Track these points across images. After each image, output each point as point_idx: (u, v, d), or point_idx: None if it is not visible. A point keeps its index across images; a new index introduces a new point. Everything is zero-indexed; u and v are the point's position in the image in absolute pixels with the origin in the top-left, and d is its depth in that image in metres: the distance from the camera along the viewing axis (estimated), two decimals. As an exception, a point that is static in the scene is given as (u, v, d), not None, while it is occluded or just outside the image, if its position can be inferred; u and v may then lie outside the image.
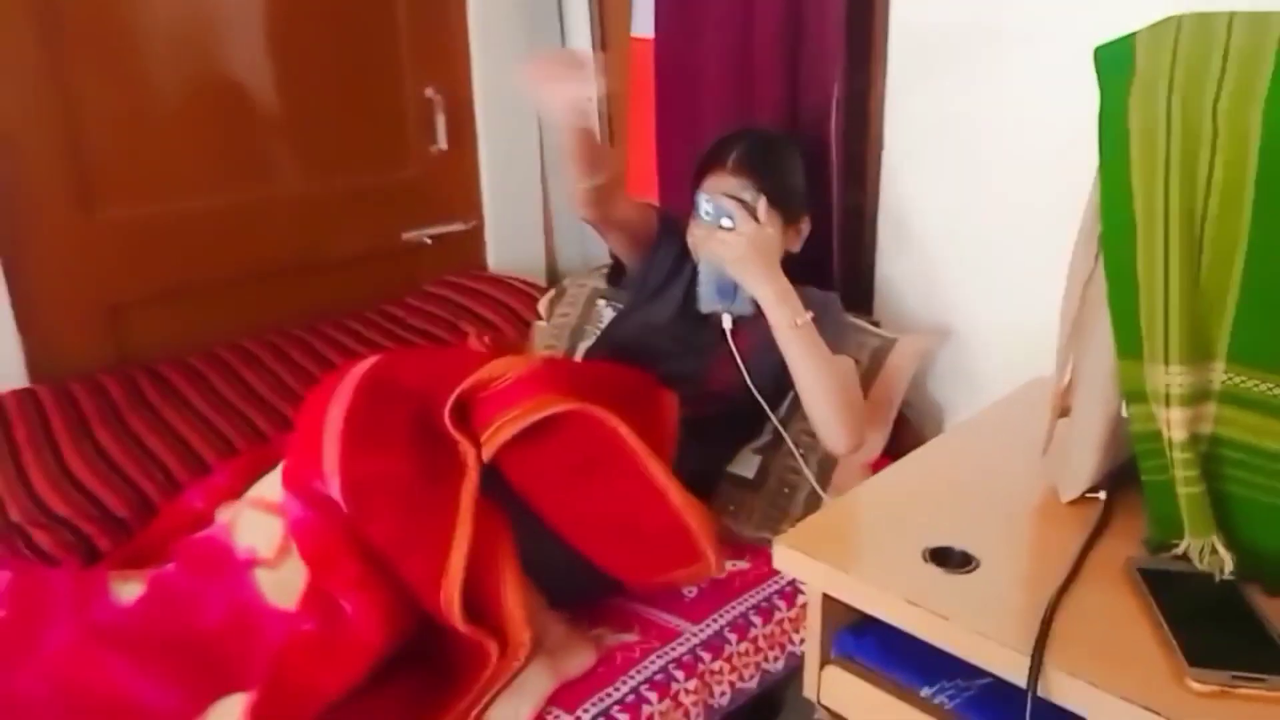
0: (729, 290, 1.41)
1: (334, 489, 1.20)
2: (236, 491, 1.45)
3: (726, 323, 1.42)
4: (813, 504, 1.52)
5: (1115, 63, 0.89)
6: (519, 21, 2.27)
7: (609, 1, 2.22)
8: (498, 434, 1.22)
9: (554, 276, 2.43)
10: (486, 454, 1.23)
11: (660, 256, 1.60)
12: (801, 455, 1.51)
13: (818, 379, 1.36)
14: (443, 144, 2.21)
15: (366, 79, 2.11)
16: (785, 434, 1.48)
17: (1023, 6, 1.48)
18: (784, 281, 1.38)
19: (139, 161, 1.81)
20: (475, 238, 2.35)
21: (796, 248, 1.55)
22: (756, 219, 1.37)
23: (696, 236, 1.41)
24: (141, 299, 1.86)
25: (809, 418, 1.42)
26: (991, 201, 1.60)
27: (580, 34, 2.26)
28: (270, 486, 1.34)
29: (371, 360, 1.36)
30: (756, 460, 1.58)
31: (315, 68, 2.02)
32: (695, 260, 1.50)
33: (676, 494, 1.22)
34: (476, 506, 1.19)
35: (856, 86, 1.72)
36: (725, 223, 1.36)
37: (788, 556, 0.96)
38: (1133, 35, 0.88)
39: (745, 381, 1.44)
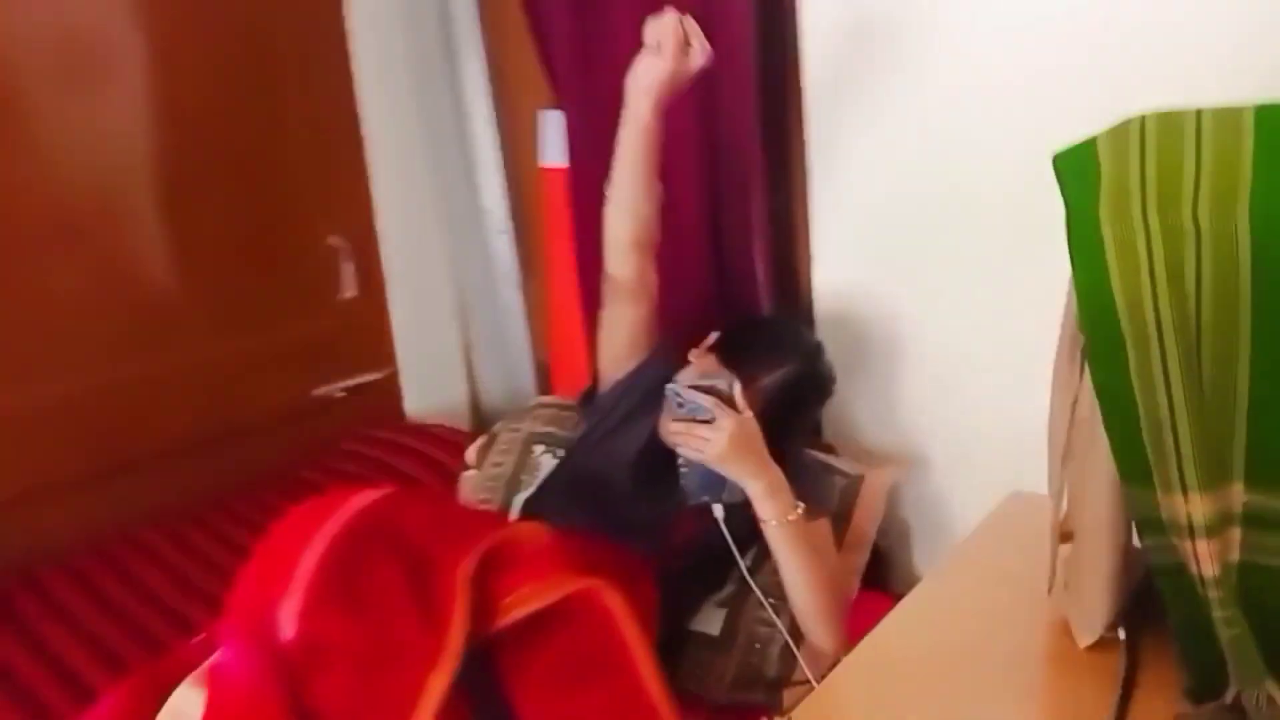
0: (715, 482, 1.28)
1: (285, 634, 1.05)
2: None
3: (718, 512, 1.30)
4: (787, 659, 1.39)
5: (1078, 170, 0.82)
6: (422, 159, 2.19)
7: (515, 132, 2.16)
8: (526, 600, 1.09)
9: (479, 420, 2.30)
10: (507, 619, 1.09)
11: (646, 376, 1.48)
12: (772, 606, 1.39)
13: (805, 576, 1.28)
14: (351, 291, 2.09)
15: (267, 232, 1.99)
16: (754, 585, 1.35)
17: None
18: (775, 473, 1.27)
19: (29, 343, 1.66)
20: (390, 386, 2.22)
21: (801, 440, 1.47)
22: (735, 408, 1.26)
23: (672, 431, 1.28)
24: (26, 492, 1.66)
25: (795, 612, 1.32)
26: (937, 303, 1.54)
27: (487, 166, 2.19)
28: (180, 708, 1.15)
29: (374, 495, 1.22)
30: (721, 615, 1.44)
31: (212, 226, 1.90)
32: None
33: (668, 715, 1.09)
34: (447, 695, 1.03)
35: (779, 202, 1.67)
36: (701, 414, 1.25)
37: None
38: (1093, 141, 0.82)
39: (709, 536, 1.32)
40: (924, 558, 1.66)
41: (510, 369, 2.28)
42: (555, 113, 1.93)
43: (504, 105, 2.16)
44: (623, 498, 1.43)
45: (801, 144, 1.62)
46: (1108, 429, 0.83)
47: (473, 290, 2.27)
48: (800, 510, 1.28)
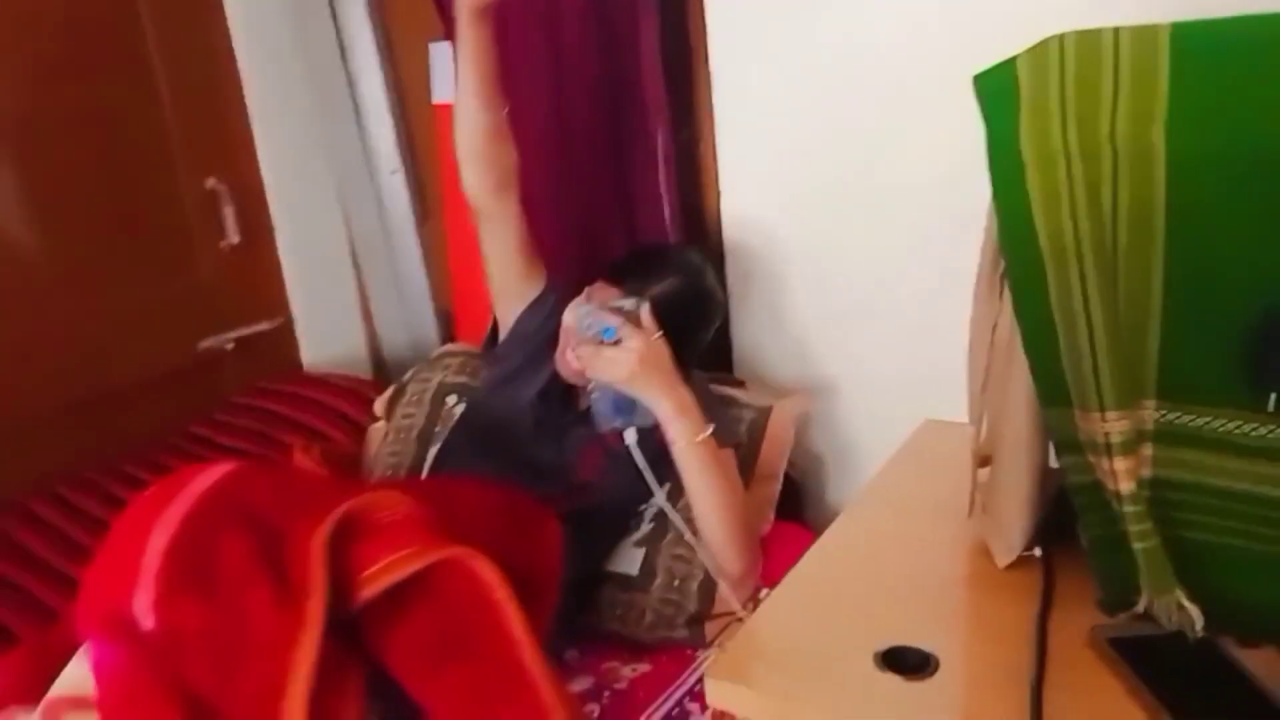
0: (626, 405, 1.25)
1: (144, 625, 1.01)
2: (28, 696, 1.17)
3: (630, 437, 1.26)
4: (706, 594, 1.39)
5: (998, 91, 0.81)
6: (306, 95, 2.07)
7: (405, 69, 2.06)
8: (386, 572, 1.03)
9: (381, 369, 2.22)
10: (367, 593, 1.03)
11: (540, 316, 1.44)
12: (688, 542, 1.38)
13: (716, 499, 1.27)
14: (234, 238, 1.97)
15: (135, 178, 1.85)
16: (670, 512, 1.34)
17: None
18: (683, 393, 1.25)
19: None
20: (284, 336, 2.11)
21: (692, 361, 1.42)
22: (640, 326, 1.23)
23: (581, 355, 1.25)
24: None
25: (702, 538, 1.30)
26: (846, 234, 1.54)
27: (375, 104, 2.08)
28: (78, 678, 1.09)
29: (217, 471, 1.15)
30: (639, 554, 1.43)
31: (71, 176, 1.75)
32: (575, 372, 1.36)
33: (547, 688, 1.02)
34: (315, 669, 0.98)
35: (685, 137, 1.64)
36: (608, 337, 1.22)
37: (723, 691, 0.82)
38: (1013, 61, 0.81)
39: (619, 471, 1.30)
40: (837, 488, 1.69)
41: (411, 315, 2.21)
42: (446, 45, 1.84)
43: (391, 37, 2.05)
44: (525, 440, 1.40)
45: (706, 73, 1.59)
46: (1028, 352, 0.84)
47: (366, 233, 2.17)
48: (710, 430, 1.26)
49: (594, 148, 1.62)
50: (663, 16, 1.54)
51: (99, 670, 1.01)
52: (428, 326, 2.19)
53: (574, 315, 1.25)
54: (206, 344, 1.96)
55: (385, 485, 1.25)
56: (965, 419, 1.30)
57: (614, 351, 1.21)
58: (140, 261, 1.87)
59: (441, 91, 1.95)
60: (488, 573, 1.04)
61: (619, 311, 1.24)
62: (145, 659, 0.99)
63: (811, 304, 1.61)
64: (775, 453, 1.50)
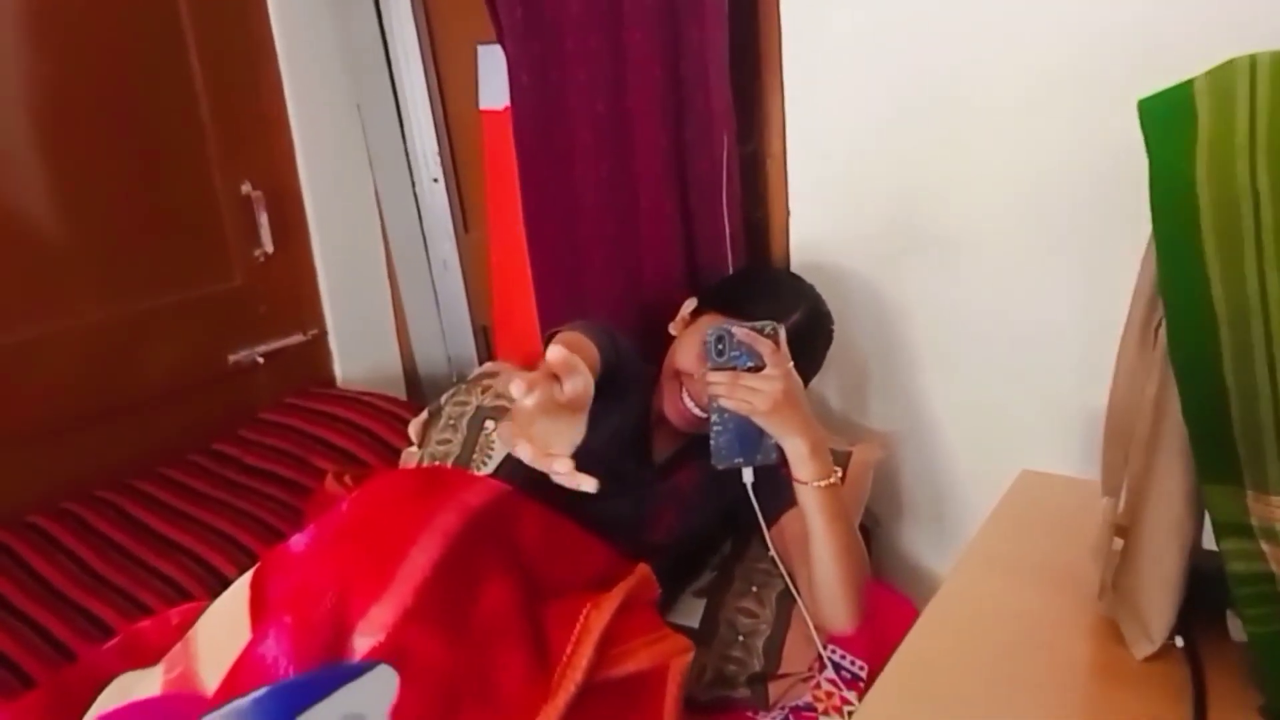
0: (752, 441, 1.13)
1: (361, 641, 0.89)
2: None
3: (748, 477, 1.14)
4: (773, 650, 1.28)
5: (1169, 119, 0.70)
6: (347, 100, 1.98)
7: (449, 72, 1.96)
8: (632, 657, 0.98)
9: (414, 387, 2.13)
10: (611, 671, 0.97)
11: (606, 392, 1.32)
12: (756, 593, 1.28)
13: (837, 547, 1.15)
14: (268, 246, 1.89)
15: (169, 180, 1.76)
16: (769, 539, 1.23)
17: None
18: (818, 431, 1.14)
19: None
20: (317, 350, 2.03)
21: None
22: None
23: (715, 382, 1.11)
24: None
25: (814, 587, 1.19)
26: (924, 266, 1.43)
27: (419, 110, 1.98)
28: None
29: (489, 488, 1.05)
30: (699, 605, 1.32)
31: (105, 175, 1.67)
32: (692, 407, 1.24)
33: None
34: None
35: (750, 148, 1.53)
36: (741, 365, 1.10)
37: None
38: (1189, 85, 0.69)
39: (691, 527, 1.20)
40: (913, 539, 1.57)
41: (448, 331, 2.11)
42: (495, 47, 1.74)
43: (436, 38, 1.96)
44: (596, 496, 1.28)
45: (779, 84, 1.47)
46: (1189, 420, 0.72)
47: (405, 244, 2.07)
48: (839, 475, 1.15)
49: (654, 156, 1.51)
50: (733, 23, 1.43)
51: (249, 664, 0.88)
52: (466, 343, 2.09)
53: (710, 335, 1.12)
54: (237, 356, 1.87)
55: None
56: (1062, 471, 1.20)
57: (756, 380, 1.09)
58: (171, 267, 1.78)
59: (489, 97, 1.86)
60: (675, 683, 0.98)
61: (758, 336, 1.11)
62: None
63: (884, 341, 1.49)
64: (854, 501, 1.38)
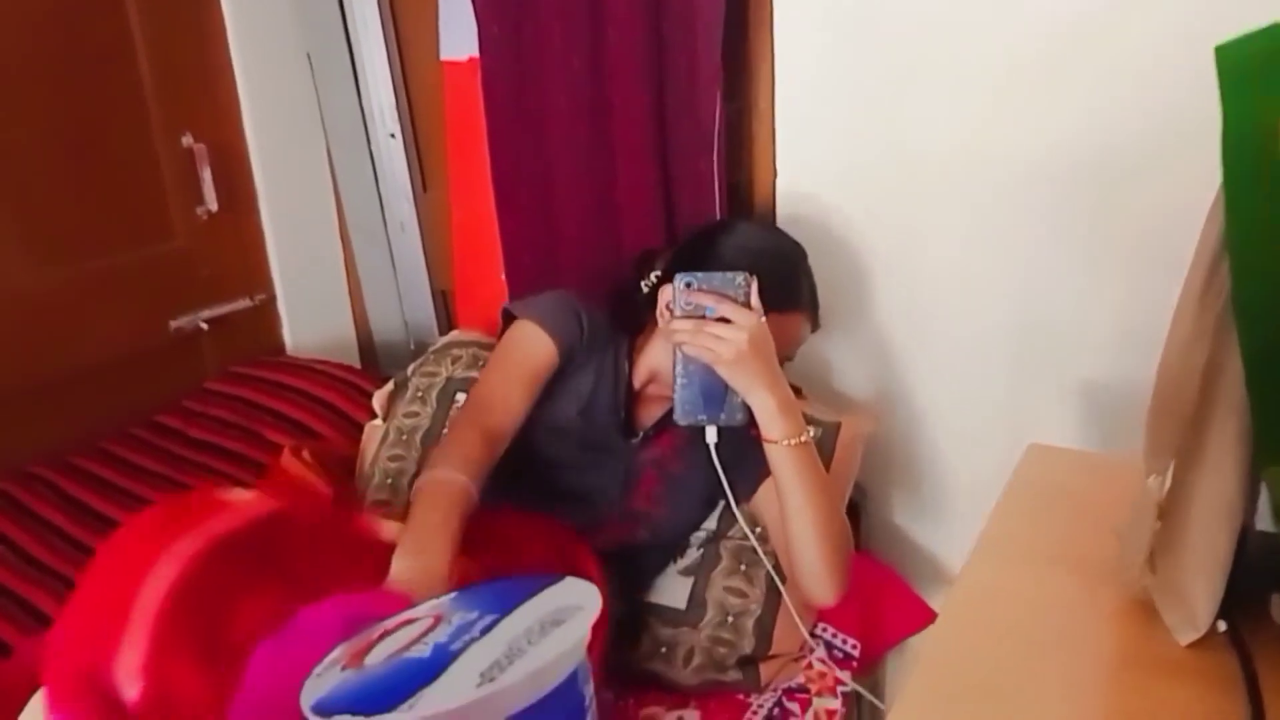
0: (716, 396, 1.08)
1: (129, 692, 0.82)
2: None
3: (711, 436, 1.09)
4: (764, 631, 1.23)
5: (1251, 69, 0.64)
6: (296, 48, 1.85)
7: (408, 20, 1.84)
8: None
9: (369, 355, 2.02)
10: None
11: (568, 314, 1.25)
12: (745, 572, 1.23)
13: (814, 513, 1.09)
14: (211, 204, 1.76)
15: (103, 132, 1.62)
16: (742, 521, 1.18)
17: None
18: (786, 388, 1.08)
19: None
20: (265, 316, 1.91)
21: (792, 354, 1.26)
22: (749, 307, 1.06)
23: (678, 330, 1.06)
24: None
25: (791, 556, 1.13)
26: (922, 226, 1.38)
27: (373, 60, 1.86)
28: None
29: (243, 512, 0.96)
30: (686, 584, 1.27)
31: (33, 127, 1.52)
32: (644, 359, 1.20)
33: None
34: None
35: (734, 105, 1.46)
36: (712, 312, 1.05)
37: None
38: (1274, 30, 0.64)
39: (675, 498, 1.13)
40: (903, 513, 1.53)
41: (405, 296, 2.00)
42: (459, -6, 1.63)
43: (393, -16, 1.84)
44: (567, 459, 1.22)
45: (767, 38, 1.40)
46: (1254, 395, 0.68)
47: (359, 204, 1.96)
48: (811, 434, 1.10)
49: (635, 119, 1.43)
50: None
51: None
52: (424, 309, 1.99)
53: (677, 283, 1.06)
54: (179, 322, 1.74)
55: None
56: (1068, 444, 1.16)
57: (722, 329, 1.04)
58: (107, 227, 1.65)
59: (451, 47, 1.75)
60: None
61: (729, 285, 1.06)
62: None
63: (881, 304, 1.44)
64: (843, 475, 1.33)
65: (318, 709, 0.63)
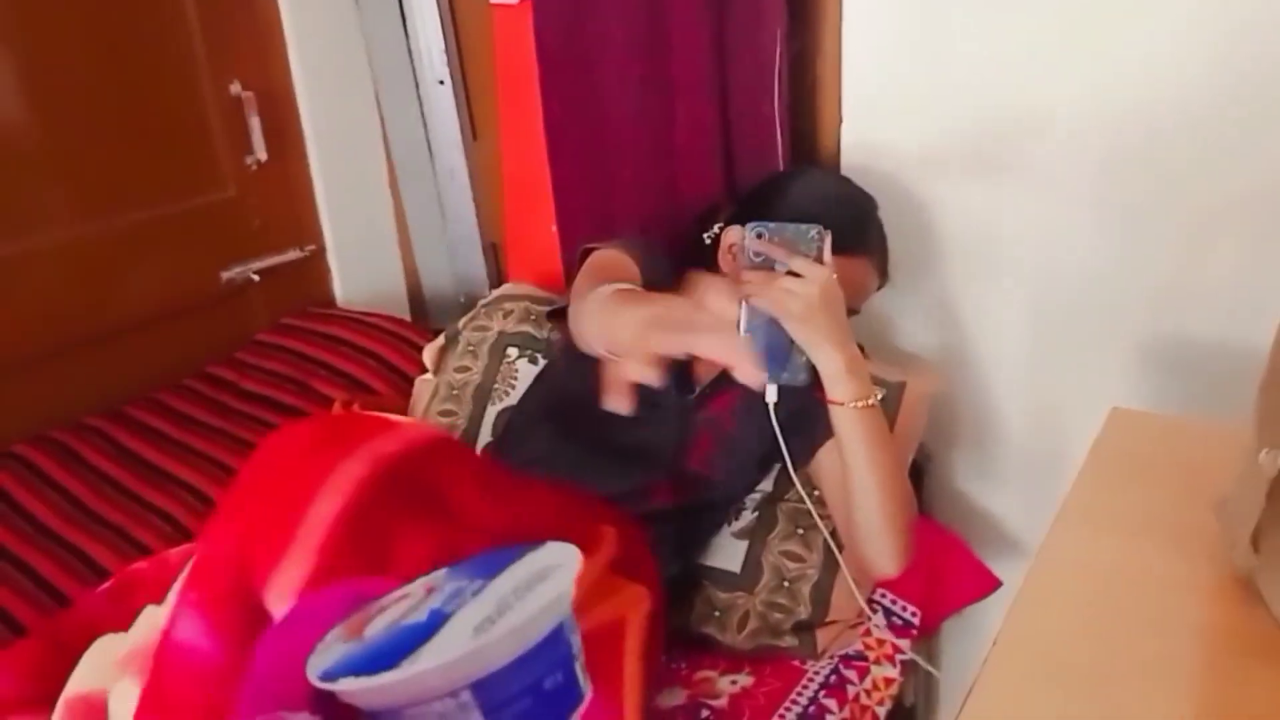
0: (781, 353, 1.02)
1: (278, 607, 0.80)
2: (38, 696, 0.98)
3: (771, 395, 1.03)
4: (821, 596, 1.20)
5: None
6: (342, -8, 1.81)
7: (457, -41, 1.79)
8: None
9: (418, 307, 2.00)
10: None
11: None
12: (802, 535, 1.19)
13: (879, 477, 1.05)
14: (261, 154, 1.73)
15: (151, 81, 1.60)
16: (800, 488, 1.13)
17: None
18: (855, 348, 1.04)
19: None
20: (315, 267, 1.89)
21: (859, 307, 1.20)
22: (821, 262, 1.01)
23: (749, 280, 1.02)
24: None
25: (852, 525, 1.09)
26: (998, 182, 1.31)
27: (423, 4, 1.81)
28: (98, 672, 0.92)
29: (406, 433, 0.94)
30: (741, 547, 1.23)
31: (81, 76, 1.50)
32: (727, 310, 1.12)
33: None
34: None
35: (796, 45, 1.38)
36: (783, 266, 1.01)
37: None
38: None
39: (732, 460, 1.09)
40: (969, 477, 1.48)
41: (455, 248, 1.97)
42: (511, -68, 1.57)
43: (442, -76, 1.78)
44: (619, 423, 1.17)
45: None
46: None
47: (408, 153, 1.92)
48: (880, 396, 1.06)
49: (694, 54, 1.36)
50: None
51: (170, 653, 0.79)
52: (474, 261, 1.95)
53: (747, 232, 1.02)
54: (230, 274, 1.73)
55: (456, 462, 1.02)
56: (1144, 407, 1.10)
57: (793, 282, 0.99)
58: (155, 178, 1.63)
59: (502, -11, 1.69)
60: (636, 637, 0.89)
61: (801, 239, 1.01)
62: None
63: (949, 259, 1.38)
64: (907, 438, 1.28)
65: (325, 677, 0.65)
